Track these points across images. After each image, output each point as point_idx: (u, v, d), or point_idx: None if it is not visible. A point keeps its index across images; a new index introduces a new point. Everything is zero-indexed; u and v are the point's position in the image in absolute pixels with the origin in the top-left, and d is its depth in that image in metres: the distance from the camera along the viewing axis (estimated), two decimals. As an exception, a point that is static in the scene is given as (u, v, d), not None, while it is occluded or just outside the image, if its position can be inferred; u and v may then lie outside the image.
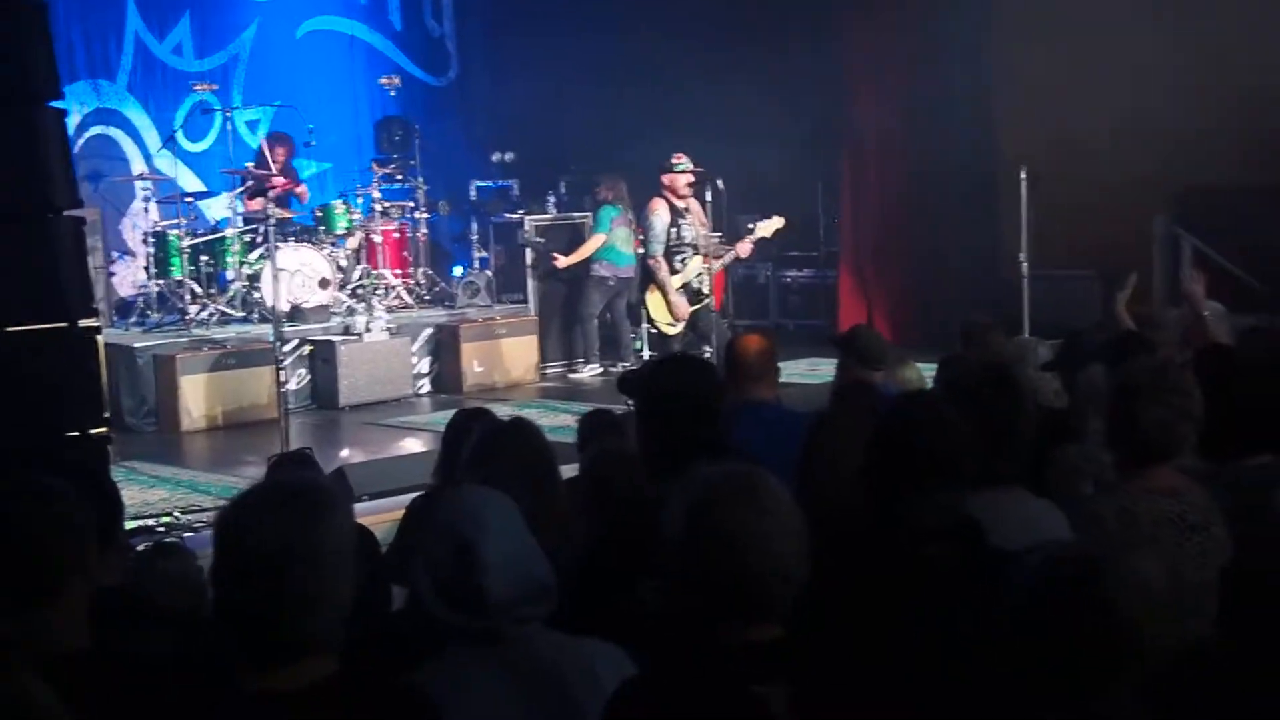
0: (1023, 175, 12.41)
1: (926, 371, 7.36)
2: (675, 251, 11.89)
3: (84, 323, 6.11)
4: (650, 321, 12.04)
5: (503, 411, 6.18)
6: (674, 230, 11.88)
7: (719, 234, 12.17)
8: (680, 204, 11.98)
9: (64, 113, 6.23)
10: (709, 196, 11.71)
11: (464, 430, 5.19)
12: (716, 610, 2.90)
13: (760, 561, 2.88)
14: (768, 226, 11.86)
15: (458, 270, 15.41)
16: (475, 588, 3.16)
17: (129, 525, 7.79)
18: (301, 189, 14.70)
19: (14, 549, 3.18)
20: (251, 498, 2.93)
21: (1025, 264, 12.50)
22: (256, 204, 13.70)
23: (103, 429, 6.02)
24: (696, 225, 12.00)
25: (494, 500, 3.32)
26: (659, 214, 11.89)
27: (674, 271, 11.83)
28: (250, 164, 14.29)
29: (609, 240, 13.79)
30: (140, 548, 5.31)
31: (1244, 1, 12.93)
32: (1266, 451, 4.73)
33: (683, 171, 11.97)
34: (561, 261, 14.15)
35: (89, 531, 3.30)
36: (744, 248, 11.91)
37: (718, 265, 12.04)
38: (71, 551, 3.24)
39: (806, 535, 2.97)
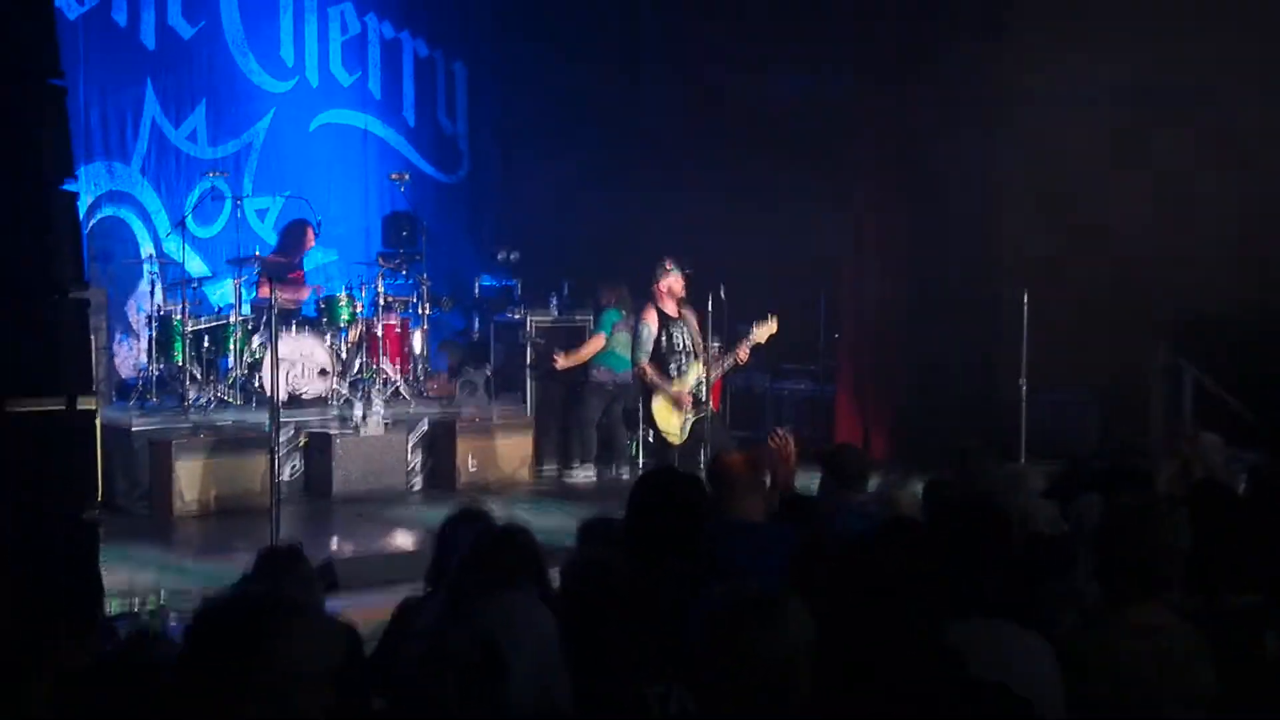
0: (1024, 299, 12.49)
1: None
2: (670, 359, 11.92)
3: (82, 404, 6.12)
4: (655, 429, 12.04)
5: (495, 510, 6.18)
6: (663, 338, 11.93)
7: (718, 342, 12.22)
8: (672, 312, 12.05)
9: (75, 196, 6.28)
10: (710, 305, 11.78)
11: (457, 532, 5.19)
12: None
13: (786, 679, 2.94)
14: (763, 331, 11.95)
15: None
16: (498, 699, 3.14)
17: (114, 608, 7.77)
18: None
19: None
20: (216, 607, 2.93)
21: (1024, 386, 12.55)
22: (265, 291, 13.77)
23: (94, 513, 6.02)
24: (691, 333, 12.06)
25: (532, 613, 3.31)
26: (646, 322, 12.01)
27: (672, 379, 11.86)
28: (258, 252, 14.33)
29: (609, 344, 13.84)
30: (123, 633, 5.29)
31: (1248, 128, 13.06)
32: (1255, 591, 4.72)
33: (676, 275, 12.07)
34: (561, 362, 14.20)
35: (59, 623, 3.29)
36: (742, 353, 11.96)
37: (719, 371, 12.09)
38: (39, 644, 3.23)
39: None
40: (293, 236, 14.69)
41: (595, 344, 14.04)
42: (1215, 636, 4.35)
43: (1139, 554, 4.20)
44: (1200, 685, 4.13)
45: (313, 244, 14.71)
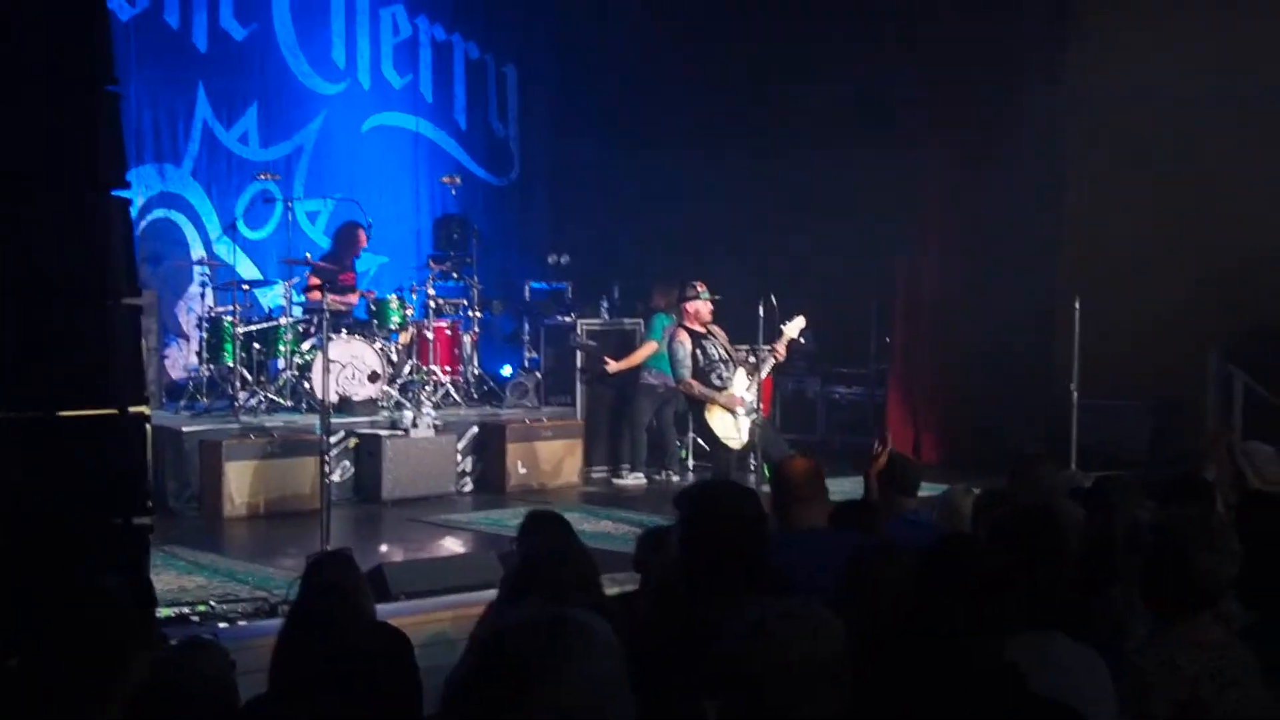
0: (1076, 305, 12.41)
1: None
2: (710, 371, 11.93)
3: (134, 410, 6.14)
4: (713, 439, 12.01)
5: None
6: (698, 353, 11.96)
7: (767, 346, 12.20)
8: (700, 329, 12.08)
9: (129, 202, 6.30)
10: (761, 311, 11.76)
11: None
12: None
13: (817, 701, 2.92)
14: (793, 326, 11.94)
15: (506, 370, 15.51)
16: None
17: (164, 613, 7.80)
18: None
19: (79, 652, 3.19)
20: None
21: (1076, 393, 12.47)
22: (316, 295, 13.78)
23: (146, 519, 6.03)
24: (722, 344, 12.09)
25: (590, 627, 3.28)
26: (680, 342, 12.02)
27: (719, 389, 11.87)
28: (309, 255, 14.39)
29: (661, 348, 13.80)
30: (174, 641, 5.28)
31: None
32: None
33: (706, 299, 12.11)
34: (613, 366, 14.20)
35: (138, 637, 3.30)
36: (780, 349, 11.95)
37: (764, 371, 12.07)
38: (123, 656, 3.24)
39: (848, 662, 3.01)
40: (345, 238, 14.74)
41: (647, 349, 14.03)
42: (1268, 653, 4.30)
43: (1198, 567, 4.15)
44: (1256, 705, 4.08)
45: (365, 245, 14.74)
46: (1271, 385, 13.01)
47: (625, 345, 14.56)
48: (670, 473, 14.11)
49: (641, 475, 14.10)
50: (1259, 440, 7.99)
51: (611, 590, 5.76)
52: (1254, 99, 13.19)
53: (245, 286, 14.10)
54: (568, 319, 15.06)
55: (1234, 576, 4.30)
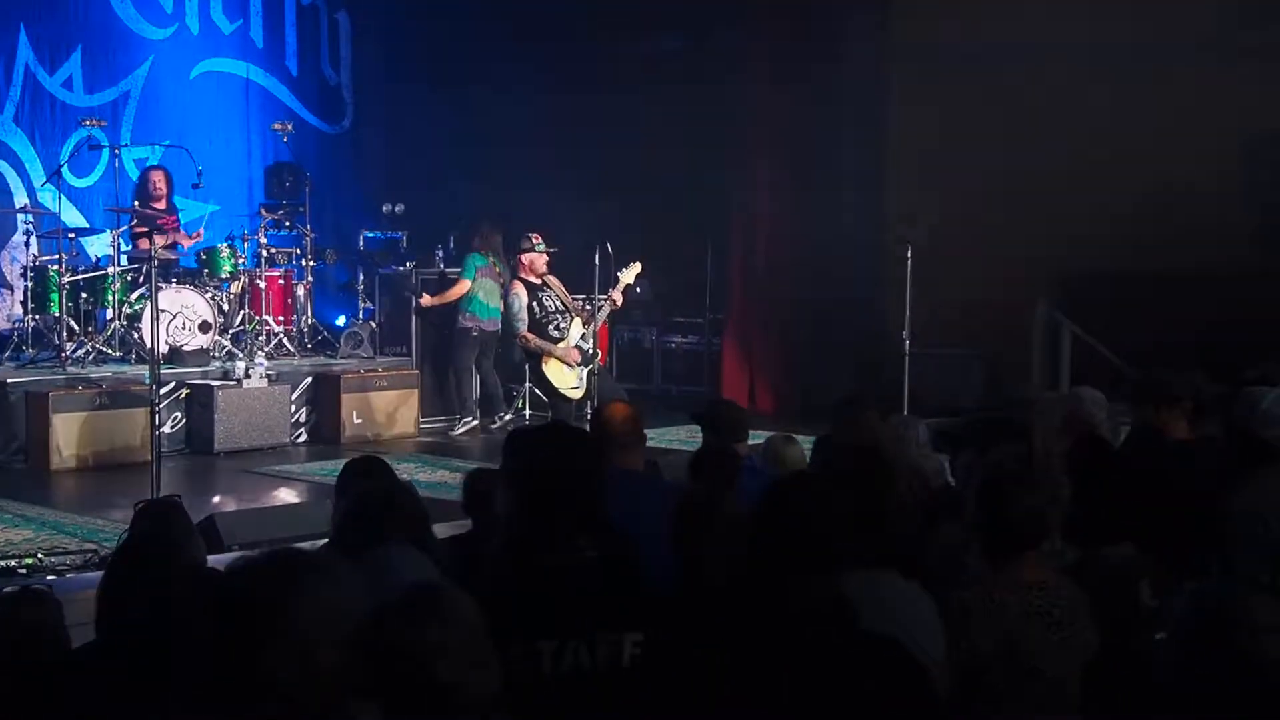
0: (908, 255, 12.56)
1: (809, 444, 7.40)
2: (547, 323, 11.97)
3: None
4: (551, 391, 12.02)
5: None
6: (535, 305, 12.00)
7: (603, 296, 12.23)
8: (535, 280, 12.12)
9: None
10: (597, 259, 11.79)
11: (353, 485, 5.16)
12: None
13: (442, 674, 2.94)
14: (629, 273, 12.03)
15: (341, 320, 15.36)
16: None
17: (-9, 566, 7.65)
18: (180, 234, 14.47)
19: None
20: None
21: (908, 341, 12.64)
22: (146, 243, 13.49)
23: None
24: (558, 293, 12.15)
25: (412, 566, 3.28)
26: (516, 294, 12.12)
27: (557, 341, 11.90)
28: (137, 202, 14.12)
29: (473, 289, 13.69)
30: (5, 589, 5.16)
31: (1132, 94, 13.25)
32: (1129, 541, 4.80)
33: (541, 252, 12.16)
34: (426, 300, 14.09)
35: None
36: (615, 295, 12.03)
37: (600, 319, 12.12)
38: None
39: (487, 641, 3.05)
40: (139, 184, 14.45)
41: (459, 288, 13.82)
42: (1092, 588, 4.42)
43: (1019, 509, 4.24)
44: (1080, 640, 4.18)
45: (163, 188, 14.34)
46: (1098, 332, 13.32)
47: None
48: (502, 419, 14.02)
49: (473, 421, 14.00)
50: (1087, 386, 8.19)
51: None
52: (1082, 48, 13.45)
53: (71, 235, 13.80)
54: (403, 268, 14.91)
55: (1057, 518, 4.40)
